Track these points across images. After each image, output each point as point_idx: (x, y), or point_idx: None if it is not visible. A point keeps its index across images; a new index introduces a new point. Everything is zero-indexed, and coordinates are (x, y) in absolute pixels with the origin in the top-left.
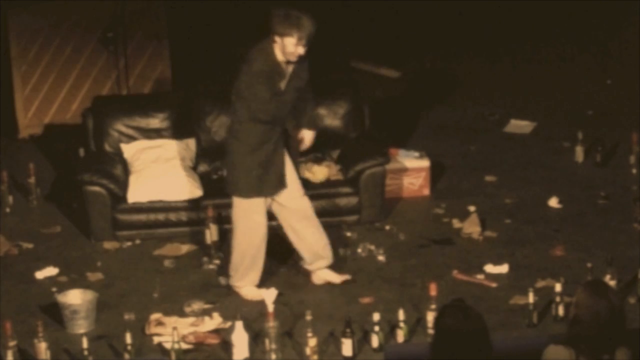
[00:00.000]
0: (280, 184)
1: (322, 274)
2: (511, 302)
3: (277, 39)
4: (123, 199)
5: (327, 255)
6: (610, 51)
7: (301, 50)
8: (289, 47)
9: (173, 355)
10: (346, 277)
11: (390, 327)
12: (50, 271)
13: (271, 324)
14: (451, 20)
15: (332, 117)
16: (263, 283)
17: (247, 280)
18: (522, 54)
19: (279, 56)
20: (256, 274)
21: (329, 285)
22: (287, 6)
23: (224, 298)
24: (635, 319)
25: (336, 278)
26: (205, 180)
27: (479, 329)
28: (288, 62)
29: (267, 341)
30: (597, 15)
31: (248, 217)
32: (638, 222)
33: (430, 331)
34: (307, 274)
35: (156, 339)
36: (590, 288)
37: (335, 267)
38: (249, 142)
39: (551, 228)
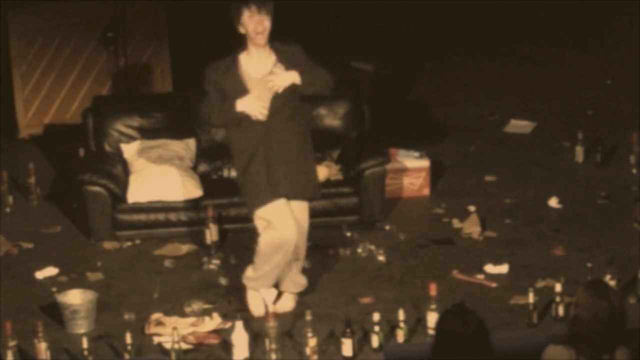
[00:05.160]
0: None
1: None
2: (511, 302)
3: (240, 27)
4: (123, 199)
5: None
6: (610, 51)
7: (261, 20)
8: (249, 25)
9: (173, 355)
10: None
11: (390, 327)
12: (50, 271)
13: (271, 324)
14: (451, 20)
15: (332, 117)
16: None
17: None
18: (522, 54)
19: (252, 48)
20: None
21: (329, 284)
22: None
23: (223, 298)
24: (635, 319)
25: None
26: (205, 180)
27: (477, 334)
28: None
29: (267, 341)
30: (597, 16)
31: None
32: (638, 222)
33: (431, 332)
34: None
35: (156, 339)
36: (590, 288)
37: (336, 266)
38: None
39: (551, 228)
